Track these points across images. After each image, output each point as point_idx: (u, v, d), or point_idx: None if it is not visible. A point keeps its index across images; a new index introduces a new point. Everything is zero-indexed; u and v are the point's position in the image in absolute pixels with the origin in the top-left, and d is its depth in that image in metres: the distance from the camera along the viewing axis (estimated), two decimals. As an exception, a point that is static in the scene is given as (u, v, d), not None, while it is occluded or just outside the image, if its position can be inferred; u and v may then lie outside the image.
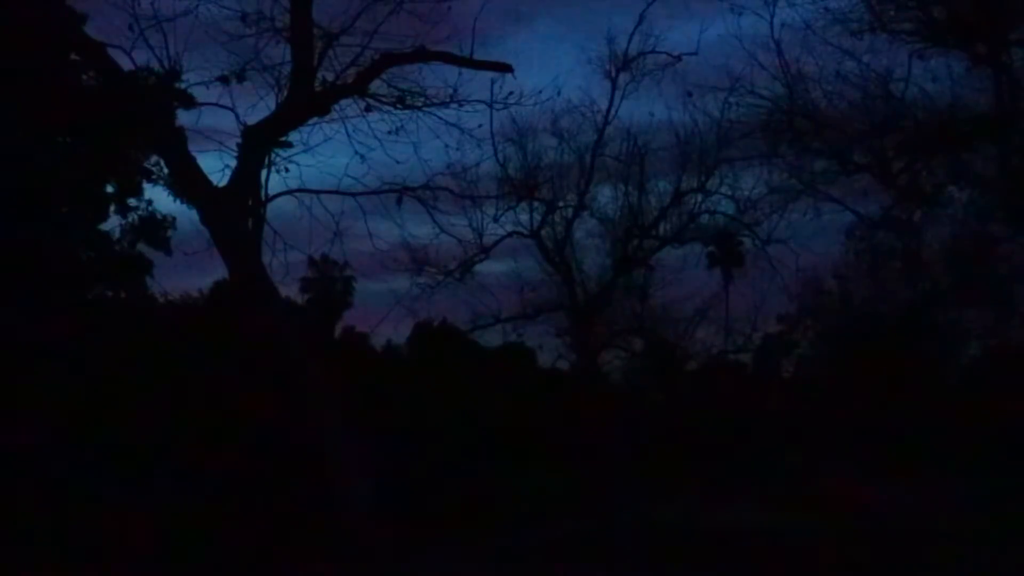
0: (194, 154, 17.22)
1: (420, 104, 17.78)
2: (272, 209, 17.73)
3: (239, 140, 17.08)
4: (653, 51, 30.69)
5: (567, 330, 34.16)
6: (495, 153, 28.23)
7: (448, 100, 17.78)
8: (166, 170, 22.25)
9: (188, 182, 17.62)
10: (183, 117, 19.44)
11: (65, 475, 18.99)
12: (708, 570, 15.40)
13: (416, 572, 15.74)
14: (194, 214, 17.40)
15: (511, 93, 18.16)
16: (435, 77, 17.82)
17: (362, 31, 17.26)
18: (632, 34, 30.96)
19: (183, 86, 18.32)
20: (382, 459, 18.72)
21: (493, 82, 18.16)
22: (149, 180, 24.97)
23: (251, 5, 17.12)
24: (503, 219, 31.99)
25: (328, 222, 18.34)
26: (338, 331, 40.45)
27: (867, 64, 23.47)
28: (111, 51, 16.74)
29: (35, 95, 19.43)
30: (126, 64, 16.89)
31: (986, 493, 21.86)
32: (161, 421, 21.24)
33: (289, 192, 18.11)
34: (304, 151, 18.14)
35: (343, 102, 17.73)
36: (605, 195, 34.12)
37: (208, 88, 17.53)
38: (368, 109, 17.82)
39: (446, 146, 18.74)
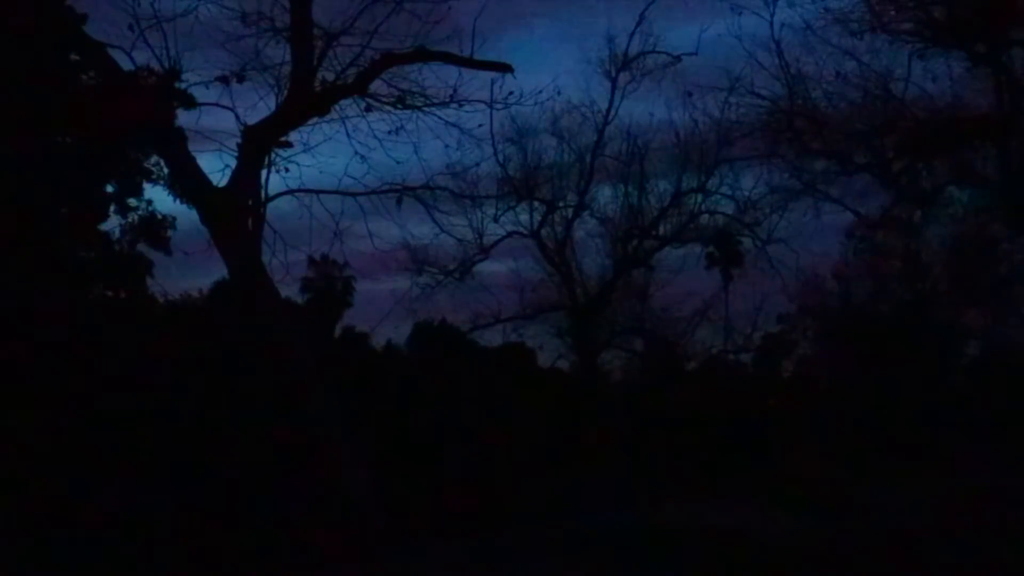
0: (194, 154, 17.24)
1: (420, 104, 17.79)
2: (272, 209, 17.73)
3: (239, 140, 17.09)
4: (653, 51, 30.75)
5: (567, 330, 34.17)
6: (495, 153, 28.26)
7: (448, 100, 17.80)
8: (166, 170, 22.26)
9: (188, 182, 17.62)
10: (183, 117, 19.44)
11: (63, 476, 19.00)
12: (707, 570, 15.40)
13: (416, 572, 15.74)
14: (194, 214, 17.41)
15: (511, 93, 18.17)
16: (435, 77, 17.84)
17: (362, 31, 17.28)
18: (632, 34, 31.01)
19: (183, 86, 18.31)
20: (382, 459, 18.74)
21: (493, 82, 18.16)
22: (149, 180, 24.97)
23: (251, 5, 17.14)
24: (503, 219, 32.06)
25: (328, 222, 18.35)
26: (338, 331, 40.43)
27: (867, 64, 23.51)
28: (111, 51, 16.74)
29: (35, 95, 19.43)
30: (126, 64, 16.91)
31: (986, 493, 21.87)
32: (159, 421, 21.24)
33: (289, 192, 18.11)
34: (304, 151, 18.13)
35: (343, 102, 17.73)
36: (605, 195, 34.18)
37: (208, 88, 17.53)
38: (368, 109, 17.82)
39: (446, 146, 18.77)
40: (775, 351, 40.80)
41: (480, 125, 18.76)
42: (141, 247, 25.94)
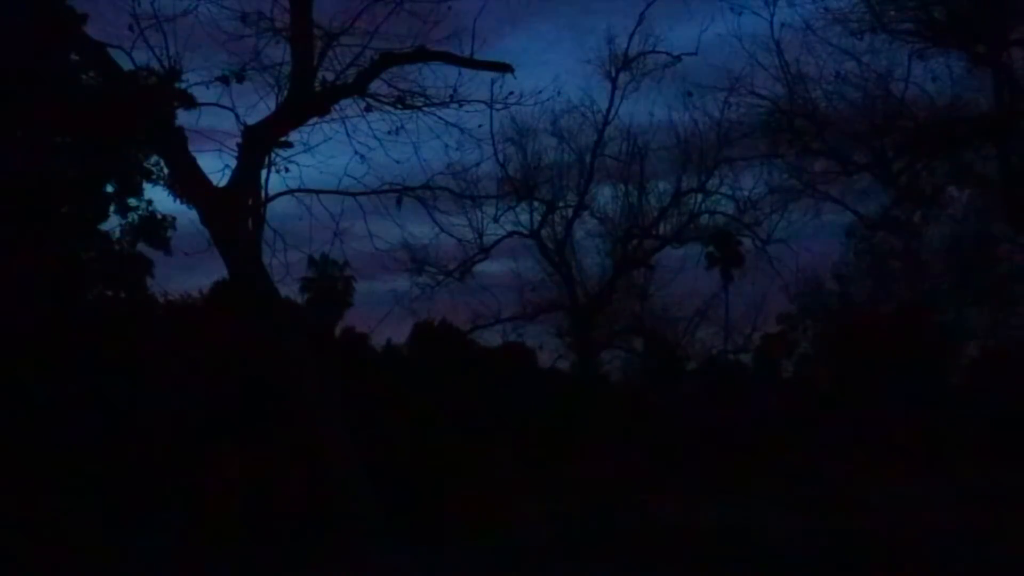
0: (194, 154, 17.25)
1: (420, 104, 17.80)
2: (272, 209, 17.78)
3: (239, 140, 17.09)
4: (653, 51, 30.85)
5: (567, 330, 34.19)
6: (495, 153, 28.33)
7: (448, 100, 17.81)
8: (166, 170, 22.27)
9: (188, 182, 17.62)
10: (183, 117, 19.44)
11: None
12: (707, 570, 15.39)
13: (416, 572, 15.72)
14: (194, 214, 17.43)
15: (511, 93, 18.20)
16: (435, 77, 17.86)
17: (362, 31, 17.30)
18: (632, 34, 31.11)
19: (183, 86, 18.31)
20: (382, 459, 18.73)
21: (493, 82, 18.18)
22: (149, 180, 24.98)
23: (251, 5, 17.16)
24: (503, 219, 32.15)
25: (328, 222, 18.41)
26: (338, 331, 40.44)
27: (867, 64, 23.53)
28: (111, 51, 16.76)
29: (35, 95, 19.43)
30: (126, 64, 16.92)
31: (986, 492, 21.86)
32: (161, 420, 21.22)
33: (289, 192, 18.15)
34: (304, 151, 18.17)
35: (343, 102, 17.75)
36: (605, 195, 34.29)
37: (208, 88, 17.56)
38: (368, 109, 17.84)
39: (446, 146, 18.80)
40: (775, 351, 40.81)
41: (480, 125, 18.81)
42: (141, 247, 25.96)
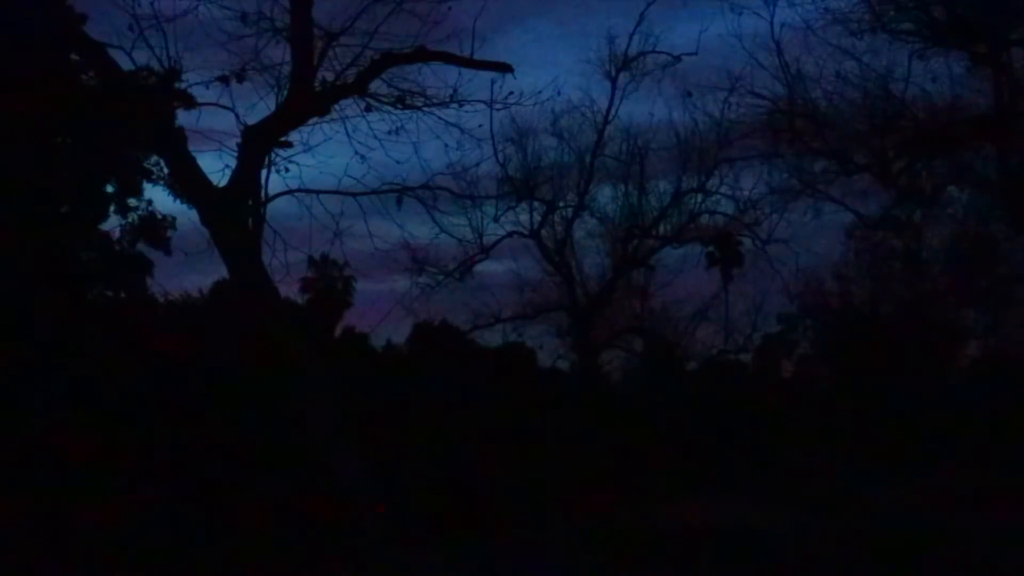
0: (194, 154, 17.24)
1: (420, 104, 17.77)
2: (272, 209, 17.72)
3: (239, 140, 17.08)
4: (653, 51, 30.81)
5: (567, 330, 34.20)
6: (495, 153, 28.24)
7: (448, 100, 17.77)
8: (166, 170, 22.25)
9: (188, 182, 17.61)
10: (183, 117, 19.42)
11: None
12: (706, 570, 15.41)
13: (416, 572, 15.74)
14: (194, 214, 17.40)
15: (511, 93, 18.14)
16: (435, 77, 17.82)
17: (362, 31, 17.26)
18: (632, 34, 31.07)
19: (183, 86, 18.29)
20: (382, 459, 18.74)
21: (493, 82, 18.15)
22: (149, 180, 24.99)
23: (251, 5, 17.12)
24: (503, 219, 32.12)
25: (328, 222, 18.35)
26: (338, 331, 40.42)
27: (867, 64, 23.54)
28: (111, 51, 16.74)
29: (35, 95, 19.43)
30: (126, 64, 16.90)
31: (985, 492, 21.88)
32: (158, 421, 21.24)
33: (289, 192, 18.10)
34: (304, 151, 18.13)
35: (343, 102, 17.71)
36: (605, 195, 34.25)
37: (208, 88, 17.51)
38: (368, 109, 17.81)
39: (446, 146, 18.72)
40: (775, 351, 40.78)
41: (480, 125, 18.73)
42: (141, 247, 25.97)
